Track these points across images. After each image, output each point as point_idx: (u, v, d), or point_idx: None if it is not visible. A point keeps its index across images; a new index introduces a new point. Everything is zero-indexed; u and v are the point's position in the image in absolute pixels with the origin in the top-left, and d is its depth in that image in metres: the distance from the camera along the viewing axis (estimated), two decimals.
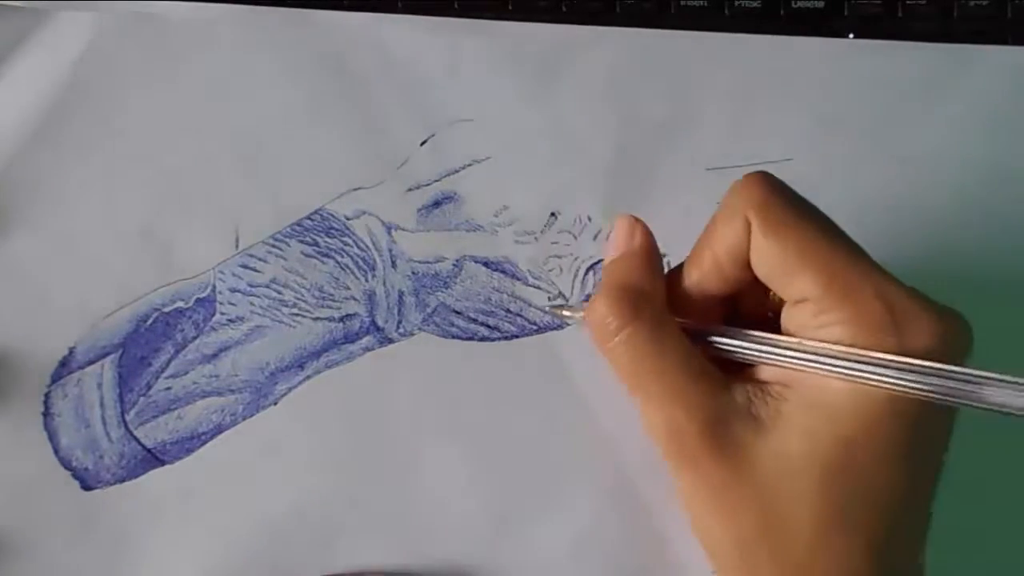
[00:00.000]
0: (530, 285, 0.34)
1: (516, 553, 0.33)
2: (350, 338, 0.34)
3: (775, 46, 0.36)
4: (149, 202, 0.35)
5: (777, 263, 0.25)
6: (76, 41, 0.36)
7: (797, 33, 0.36)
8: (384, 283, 0.35)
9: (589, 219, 0.35)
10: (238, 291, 0.34)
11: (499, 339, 0.34)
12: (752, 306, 0.28)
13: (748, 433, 0.25)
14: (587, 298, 0.34)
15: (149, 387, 0.34)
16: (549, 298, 0.34)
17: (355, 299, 0.34)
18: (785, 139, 0.35)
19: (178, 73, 0.36)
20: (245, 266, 0.35)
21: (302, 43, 0.36)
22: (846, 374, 0.24)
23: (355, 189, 0.35)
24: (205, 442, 0.33)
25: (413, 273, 0.35)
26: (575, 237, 0.35)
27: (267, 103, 0.35)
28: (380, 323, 0.34)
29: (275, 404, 0.34)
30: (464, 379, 0.34)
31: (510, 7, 0.36)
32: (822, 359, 0.25)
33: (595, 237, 0.35)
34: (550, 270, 0.34)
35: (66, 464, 0.33)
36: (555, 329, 0.34)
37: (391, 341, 0.34)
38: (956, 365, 0.24)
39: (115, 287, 0.34)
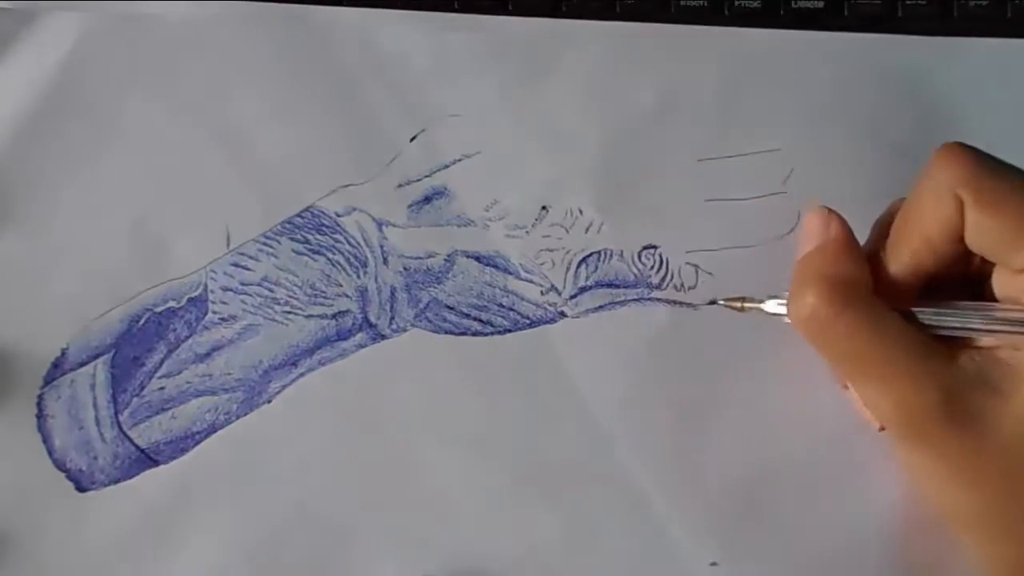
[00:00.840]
0: (522, 279, 0.34)
1: (511, 547, 0.32)
2: (343, 335, 0.34)
3: (764, 38, 0.35)
4: (140, 202, 0.34)
5: (998, 237, 0.25)
6: (64, 41, 0.35)
7: None
8: (376, 279, 0.34)
9: (580, 212, 0.34)
10: (230, 290, 0.34)
11: (492, 333, 0.34)
12: (951, 277, 0.28)
13: (986, 400, 0.25)
14: (579, 291, 0.34)
15: (142, 387, 0.33)
16: (542, 292, 0.34)
17: (347, 296, 0.34)
18: (776, 130, 0.35)
19: (166, 72, 0.35)
20: (237, 264, 0.34)
21: (289, 40, 0.35)
22: None
23: (345, 186, 0.34)
24: (199, 441, 0.33)
25: (405, 269, 0.34)
26: (567, 230, 0.34)
27: (255, 101, 0.35)
28: (373, 319, 0.34)
29: (269, 402, 0.33)
30: (457, 374, 0.33)
31: (510, 7, 0.36)
32: None
33: (586, 230, 0.34)
34: (542, 264, 0.34)
35: (60, 466, 0.33)
36: (548, 323, 0.34)
37: (384, 337, 0.34)
38: None
39: (107, 288, 0.34)
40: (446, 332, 0.34)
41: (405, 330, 0.34)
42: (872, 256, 0.28)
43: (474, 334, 0.34)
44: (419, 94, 0.35)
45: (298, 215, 0.34)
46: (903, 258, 0.27)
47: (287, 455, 0.33)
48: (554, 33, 0.35)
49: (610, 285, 0.34)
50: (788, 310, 0.28)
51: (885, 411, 0.27)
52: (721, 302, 0.32)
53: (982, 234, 0.26)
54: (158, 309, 0.34)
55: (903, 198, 0.28)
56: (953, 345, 0.27)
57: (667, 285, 0.34)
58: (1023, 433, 0.25)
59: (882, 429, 0.29)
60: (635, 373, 0.33)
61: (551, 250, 0.34)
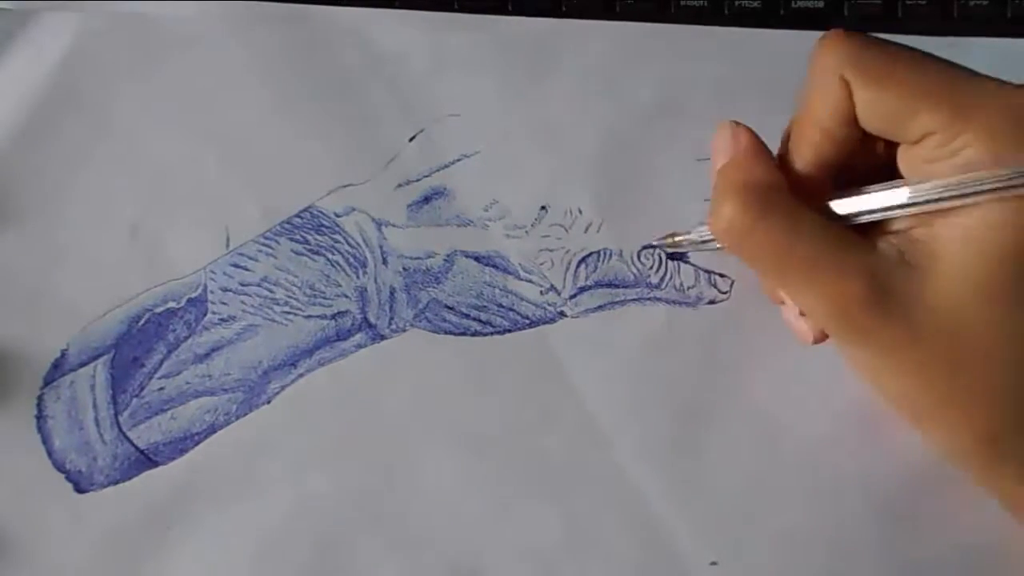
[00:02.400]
0: (522, 279, 0.34)
1: (510, 547, 0.32)
2: (342, 335, 0.33)
3: (764, 38, 0.35)
4: (139, 202, 0.34)
5: (888, 111, 0.25)
6: (62, 41, 0.35)
7: None
8: (375, 280, 0.34)
9: (580, 211, 0.34)
10: (229, 290, 0.34)
11: (491, 333, 0.33)
12: (862, 170, 0.27)
13: (909, 281, 0.25)
14: (578, 291, 0.33)
15: (142, 388, 0.33)
16: (541, 292, 0.33)
17: (346, 296, 0.34)
18: (775, 129, 0.34)
19: (165, 72, 0.35)
20: (236, 265, 0.34)
21: (289, 40, 0.35)
22: (990, 190, 0.23)
23: (344, 186, 0.34)
24: (199, 442, 0.33)
25: (404, 269, 0.34)
26: (566, 230, 0.34)
27: (254, 101, 0.35)
28: (372, 320, 0.33)
29: (268, 403, 0.33)
30: (457, 374, 0.33)
31: (509, 7, 0.35)
32: (961, 187, 0.24)
33: (586, 230, 0.34)
34: (541, 263, 0.34)
35: (59, 467, 0.32)
36: (547, 323, 0.33)
37: (383, 338, 0.33)
38: None
39: (107, 289, 0.33)
40: (445, 332, 0.33)
41: (404, 330, 0.33)
42: (781, 161, 0.28)
43: (473, 334, 0.33)
44: (418, 94, 0.35)
45: (297, 215, 0.34)
46: (806, 154, 0.27)
47: (286, 456, 0.32)
48: (554, 33, 0.35)
49: (609, 285, 0.33)
50: (709, 226, 0.27)
51: (817, 310, 0.26)
52: (655, 242, 0.33)
53: (873, 112, 0.25)
54: (158, 310, 0.33)
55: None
56: (871, 233, 0.26)
57: (666, 285, 0.33)
58: (949, 310, 0.24)
59: (817, 341, 0.29)
60: (634, 373, 0.33)
61: (550, 250, 0.34)
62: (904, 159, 0.26)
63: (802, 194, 0.26)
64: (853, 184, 0.27)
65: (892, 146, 0.27)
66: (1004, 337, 0.24)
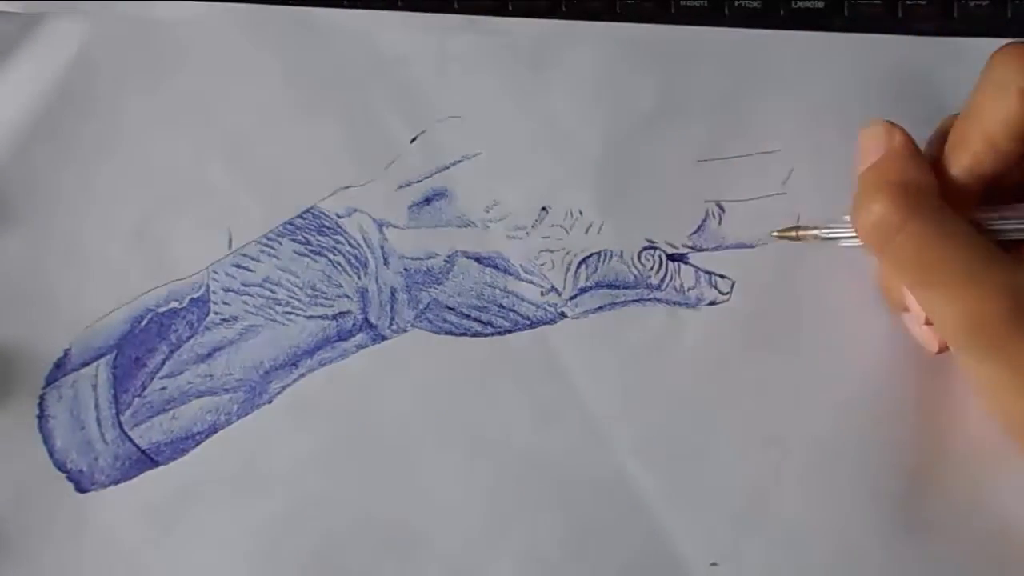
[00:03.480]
0: (522, 280, 0.33)
1: (510, 547, 0.31)
2: (343, 336, 0.33)
3: (764, 39, 0.35)
4: (142, 203, 0.34)
5: None
6: (69, 44, 0.34)
7: None
8: (376, 280, 0.33)
9: (580, 213, 0.33)
10: (231, 291, 0.33)
11: (492, 334, 0.33)
12: (1011, 184, 0.27)
13: None
14: (579, 292, 0.33)
15: (144, 388, 0.33)
16: (542, 293, 0.33)
17: (348, 297, 0.33)
18: (775, 130, 0.34)
19: (170, 73, 0.34)
20: (238, 265, 0.33)
21: (292, 41, 0.35)
22: None
23: (346, 187, 0.34)
24: (200, 442, 0.32)
25: (405, 270, 0.33)
26: (567, 231, 0.33)
27: (258, 102, 0.34)
28: (373, 320, 0.33)
29: (270, 403, 0.33)
30: (457, 375, 0.33)
31: (510, 7, 0.35)
32: None
33: (587, 231, 0.33)
34: (542, 264, 0.33)
35: (61, 466, 0.32)
36: (548, 323, 0.33)
37: (384, 338, 0.33)
38: None
39: (109, 289, 0.33)
40: (446, 333, 0.33)
41: (405, 331, 0.33)
42: (931, 164, 0.27)
43: (474, 335, 0.33)
44: (420, 95, 0.34)
45: (299, 216, 0.34)
46: (964, 161, 0.26)
47: (287, 455, 0.32)
48: (554, 34, 0.35)
49: (610, 286, 0.33)
50: (853, 221, 0.27)
51: (952, 321, 0.25)
52: (775, 234, 0.31)
53: None
54: (160, 310, 0.33)
55: (954, 115, 0.28)
56: (1018, 251, 0.26)
57: (667, 286, 0.33)
58: None
59: (940, 351, 0.28)
60: (635, 374, 0.32)
61: (551, 251, 0.33)
62: None
63: (950, 201, 0.26)
64: (998, 202, 0.26)
65: None
66: None
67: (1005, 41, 0.34)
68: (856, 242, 0.28)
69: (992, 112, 0.25)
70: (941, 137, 0.28)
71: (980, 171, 0.26)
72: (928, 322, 0.28)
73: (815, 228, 0.30)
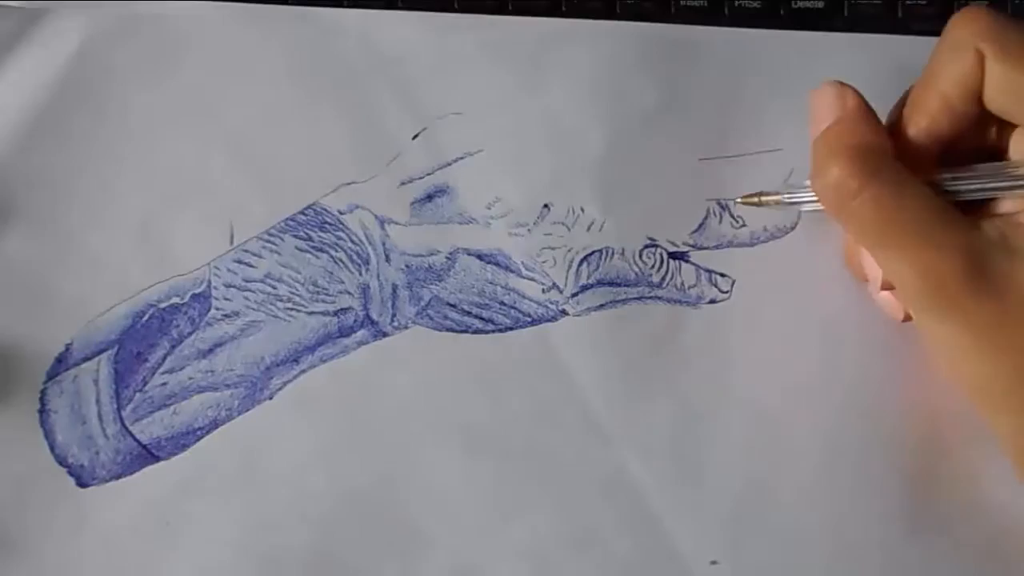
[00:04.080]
0: (524, 277, 0.33)
1: (510, 544, 0.31)
2: (344, 332, 0.33)
3: (765, 38, 0.35)
4: (144, 199, 0.34)
5: (1017, 89, 0.24)
6: (70, 40, 0.34)
7: None
8: (378, 277, 0.33)
9: (582, 210, 0.33)
10: (233, 286, 0.33)
11: (493, 331, 0.33)
12: (968, 150, 0.27)
13: (1009, 265, 0.24)
14: (580, 289, 0.33)
15: (145, 383, 0.33)
16: (543, 290, 0.33)
17: (349, 293, 0.33)
18: (777, 130, 0.34)
19: (171, 70, 0.34)
20: (240, 261, 0.33)
21: (294, 39, 0.35)
22: None
23: (348, 183, 0.34)
24: (201, 437, 0.32)
25: (407, 266, 0.33)
26: (568, 228, 0.33)
27: (259, 99, 0.34)
28: (374, 317, 0.33)
29: (270, 399, 0.32)
30: (458, 371, 0.32)
31: (510, 7, 0.35)
32: None
33: (588, 228, 0.33)
34: (543, 262, 0.33)
35: (62, 461, 0.32)
36: (549, 321, 0.33)
37: (385, 335, 0.33)
38: None
39: (111, 283, 0.33)
40: (447, 330, 0.33)
41: (406, 327, 0.33)
42: (890, 128, 0.27)
43: (475, 332, 0.33)
44: (421, 92, 0.34)
45: (301, 212, 0.33)
46: (921, 123, 0.26)
47: (288, 451, 0.32)
48: (557, 32, 0.34)
49: (611, 284, 0.33)
50: (812, 185, 0.27)
51: (910, 281, 0.25)
52: (738, 200, 0.32)
53: (1002, 89, 0.25)
54: (162, 305, 0.33)
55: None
56: (974, 212, 0.26)
57: (668, 284, 0.33)
58: None
59: (905, 319, 0.28)
60: (635, 371, 0.32)
61: (553, 248, 0.33)
62: (1018, 143, 0.26)
63: (908, 163, 0.26)
64: (956, 164, 0.26)
65: (1004, 131, 0.26)
66: None
67: None
68: (817, 206, 0.28)
69: (948, 74, 0.25)
70: (901, 103, 0.28)
71: (937, 133, 0.26)
72: (885, 287, 0.28)
73: (777, 194, 0.30)
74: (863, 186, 0.25)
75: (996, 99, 0.25)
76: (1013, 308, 0.24)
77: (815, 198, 0.28)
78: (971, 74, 0.25)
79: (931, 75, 0.26)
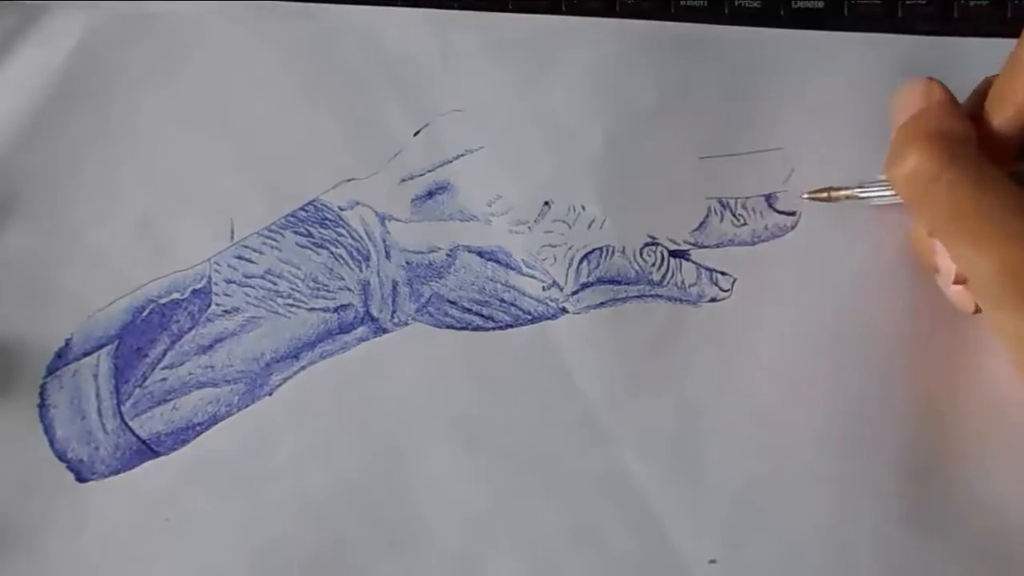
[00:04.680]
0: (524, 274, 0.33)
1: (510, 541, 0.31)
2: (345, 328, 0.33)
3: (767, 37, 0.34)
4: (145, 194, 0.33)
5: None
6: (70, 36, 0.34)
7: None
8: (378, 273, 0.33)
9: (583, 208, 0.33)
10: (233, 282, 0.33)
11: (493, 329, 0.33)
12: None
13: None
14: (580, 287, 0.33)
15: (145, 378, 0.32)
16: (544, 288, 0.33)
17: (349, 289, 0.33)
18: (778, 129, 0.34)
19: (172, 66, 0.34)
20: (240, 257, 0.33)
21: (294, 36, 0.34)
22: None
23: (348, 180, 0.33)
24: (200, 433, 0.32)
25: (407, 263, 0.33)
26: (569, 226, 0.33)
27: (260, 95, 0.34)
28: (375, 313, 0.33)
29: (270, 395, 0.32)
30: (458, 369, 0.32)
31: (510, 6, 0.35)
32: None
33: (589, 226, 0.33)
34: (544, 259, 0.33)
35: (61, 456, 0.32)
36: (549, 318, 0.33)
37: (385, 331, 0.33)
38: None
39: (111, 279, 0.33)
40: (447, 327, 0.33)
41: (407, 324, 0.33)
42: (973, 118, 0.27)
43: (475, 329, 0.33)
44: (423, 89, 0.34)
45: (301, 209, 0.33)
46: (1007, 113, 0.26)
47: (287, 447, 0.32)
48: (558, 29, 0.34)
49: (612, 282, 0.33)
50: (887, 172, 0.26)
51: (986, 274, 0.25)
52: (806, 196, 0.31)
53: None
54: (162, 300, 0.33)
55: (993, 75, 0.27)
56: None
57: (668, 282, 0.33)
58: None
59: (976, 312, 0.28)
60: (635, 369, 0.32)
61: (553, 246, 0.33)
62: None
63: (991, 153, 0.25)
64: None
65: None
66: None
67: (1006, 42, 0.34)
68: (889, 199, 0.28)
69: None
70: (979, 96, 0.28)
71: (1021, 123, 0.26)
72: (958, 281, 0.28)
73: (847, 188, 0.30)
74: (942, 172, 0.25)
75: None
76: None
77: (887, 192, 0.28)
78: None
79: (1018, 65, 0.26)
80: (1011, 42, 0.34)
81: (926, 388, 0.32)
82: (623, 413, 0.32)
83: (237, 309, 0.33)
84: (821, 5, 0.35)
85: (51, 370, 0.32)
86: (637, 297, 0.33)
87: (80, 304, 0.33)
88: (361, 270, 0.33)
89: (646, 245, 0.33)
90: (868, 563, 0.31)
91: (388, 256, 0.33)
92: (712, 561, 0.31)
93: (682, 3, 0.35)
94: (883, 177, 0.28)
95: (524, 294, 0.33)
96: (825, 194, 0.31)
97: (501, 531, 0.31)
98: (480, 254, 0.33)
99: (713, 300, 0.33)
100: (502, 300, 0.33)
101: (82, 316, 0.33)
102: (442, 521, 0.31)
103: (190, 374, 0.32)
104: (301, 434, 0.32)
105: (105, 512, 0.31)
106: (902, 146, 0.25)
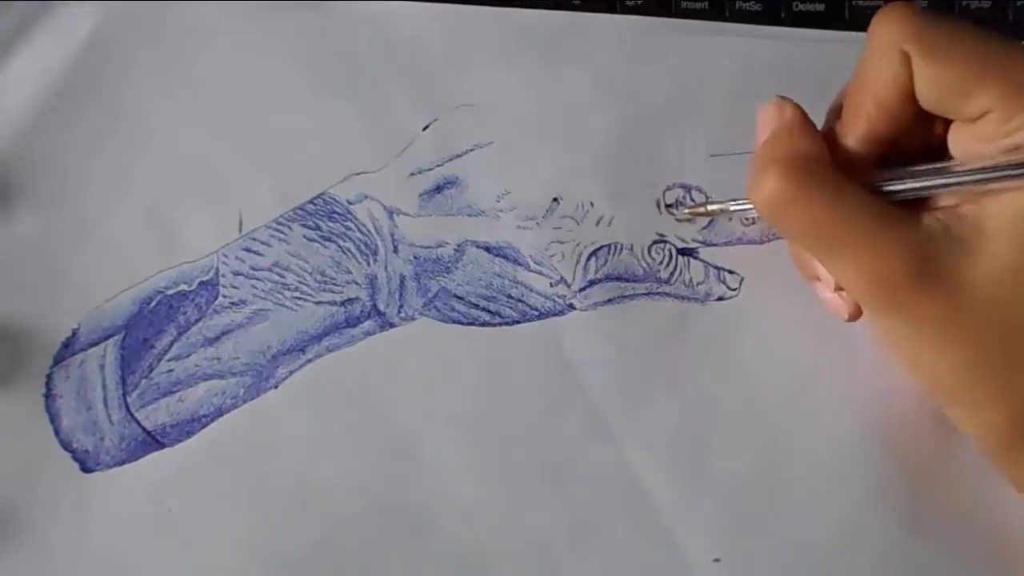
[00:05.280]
0: (532, 271, 0.33)
1: (514, 537, 0.31)
2: (351, 322, 0.32)
3: (777, 35, 0.34)
4: (154, 186, 0.33)
5: (949, 87, 0.24)
6: (83, 26, 0.34)
7: None
8: (386, 268, 0.33)
9: (591, 204, 0.33)
10: (241, 274, 0.33)
11: (500, 324, 0.32)
12: (912, 151, 0.27)
13: (955, 258, 0.24)
14: (588, 284, 0.32)
15: (151, 369, 0.32)
16: (551, 284, 0.33)
17: (357, 283, 0.33)
18: None
19: (183, 58, 0.34)
20: (248, 249, 0.33)
21: (306, 29, 0.34)
22: None
23: (357, 174, 0.33)
24: (205, 425, 0.32)
25: (415, 258, 0.33)
26: (577, 223, 0.33)
27: (270, 88, 0.34)
28: (381, 307, 0.32)
29: (276, 388, 0.32)
30: (465, 364, 0.32)
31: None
32: (1011, 169, 0.23)
33: (597, 223, 0.33)
34: (552, 255, 0.33)
35: (66, 446, 0.31)
36: (557, 315, 0.32)
37: (392, 326, 0.32)
38: None
39: (119, 269, 0.33)
40: (454, 322, 0.32)
41: (414, 319, 0.32)
42: (828, 134, 0.27)
43: (482, 324, 0.32)
44: (433, 83, 0.34)
45: (310, 202, 0.33)
46: (859, 127, 0.26)
47: (293, 440, 0.32)
48: (569, 26, 0.34)
49: (619, 279, 0.32)
50: (749, 197, 0.26)
51: (857, 284, 0.25)
52: (686, 211, 0.32)
53: (933, 88, 0.24)
54: (169, 292, 0.33)
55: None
56: (916, 209, 0.25)
57: (676, 280, 0.32)
58: (995, 287, 0.24)
59: (851, 319, 0.28)
60: (642, 367, 0.32)
61: (561, 242, 0.33)
62: (956, 138, 0.25)
63: (848, 169, 0.25)
64: (899, 164, 0.26)
65: (946, 126, 0.26)
66: None
67: None
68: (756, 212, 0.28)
69: (878, 76, 0.25)
70: (839, 105, 0.28)
71: (877, 136, 0.26)
72: (838, 288, 0.28)
73: (721, 202, 0.30)
74: (797, 194, 0.25)
75: (927, 96, 0.24)
76: (962, 301, 0.24)
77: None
78: (901, 75, 0.24)
79: (863, 78, 0.26)
80: None
81: None
82: (629, 410, 0.32)
83: (244, 301, 0.33)
84: (822, 8, 0.35)
85: (58, 360, 0.32)
86: (645, 295, 0.32)
87: (88, 294, 0.32)
88: (369, 264, 0.33)
89: (654, 243, 0.33)
90: (871, 562, 0.30)
91: (396, 250, 0.33)
92: (716, 559, 0.31)
93: (683, 5, 0.34)
94: None
95: (532, 290, 0.33)
96: (703, 209, 0.31)
97: (505, 526, 0.31)
98: (488, 249, 0.33)
99: (721, 299, 0.32)
100: (509, 296, 0.33)
101: (89, 306, 0.32)
102: (446, 515, 0.31)
103: (196, 366, 0.32)
104: (306, 427, 0.32)
105: (109, 503, 0.31)
106: (759, 171, 0.26)
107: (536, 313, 0.32)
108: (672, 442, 0.31)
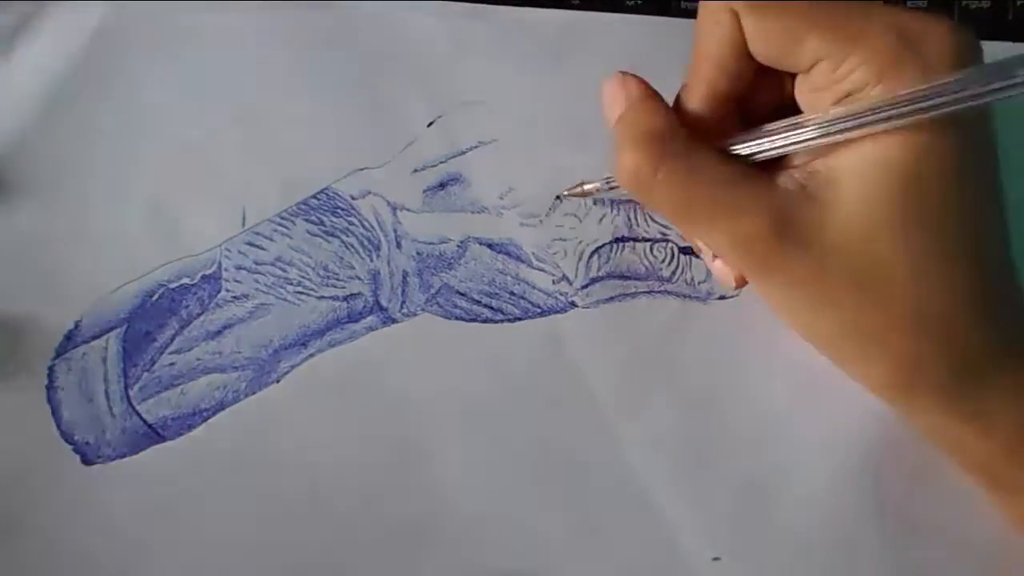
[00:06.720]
0: (534, 268, 0.32)
1: (513, 534, 0.31)
2: (353, 317, 0.32)
3: None
4: (157, 179, 0.33)
5: (777, 39, 0.24)
6: (87, 22, 0.34)
7: None
8: (388, 263, 0.32)
9: (594, 202, 0.32)
10: (243, 268, 0.32)
11: (502, 321, 0.32)
12: (764, 104, 0.27)
13: (811, 213, 0.24)
14: (590, 282, 0.32)
15: (153, 362, 0.32)
16: (554, 281, 0.32)
17: (359, 279, 0.32)
18: None
19: (187, 53, 0.34)
20: (251, 244, 0.33)
21: (311, 24, 0.34)
22: (882, 120, 0.23)
23: (361, 169, 0.33)
24: (207, 418, 0.31)
25: (417, 254, 0.32)
26: (580, 220, 0.32)
27: (275, 82, 0.33)
28: (384, 303, 0.32)
29: (277, 382, 0.32)
30: (466, 360, 0.32)
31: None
32: (852, 119, 0.23)
33: (600, 220, 0.32)
34: (554, 253, 0.32)
35: (67, 438, 0.31)
36: (559, 312, 0.32)
37: (394, 321, 0.32)
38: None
39: (122, 263, 0.32)
40: (456, 318, 0.32)
41: (416, 315, 0.32)
42: (677, 104, 0.27)
43: (484, 321, 0.32)
44: (438, 80, 0.33)
45: (313, 197, 0.33)
46: (701, 90, 0.26)
47: (294, 435, 0.31)
48: (573, 23, 0.34)
49: (621, 277, 0.32)
50: (616, 179, 0.26)
51: (724, 250, 0.25)
52: (565, 193, 0.31)
53: (762, 41, 0.24)
54: (172, 285, 0.32)
55: None
56: (772, 169, 0.25)
57: (677, 279, 0.32)
58: (851, 236, 0.24)
59: (738, 286, 0.28)
60: (643, 365, 0.32)
61: (564, 240, 0.32)
62: (800, 91, 0.25)
63: (704, 135, 0.26)
64: (761, 122, 0.26)
65: (790, 81, 0.26)
66: (908, 261, 0.24)
67: (1007, 45, 0.34)
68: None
69: (713, 36, 0.25)
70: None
71: (719, 96, 0.26)
72: (717, 257, 0.28)
73: (596, 182, 0.30)
74: (657, 169, 0.25)
75: (760, 50, 0.25)
76: (826, 254, 0.24)
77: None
78: (732, 32, 0.25)
79: (698, 42, 0.26)
80: (1013, 46, 0.34)
81: None
82: (629, 408, 0.31)
83: (247, 295, 0.32)
84: None
85: (60, 352, 0.32)
86: (646, 293, 0.32)
87: (90, 287, 0.32)
88: (371, 259, 0.32)
89: (657, 241, 0.32)
90: (870, 563, 0.30)
91: (399, 246, 0.33)
92: (715, 559, 0.30)
93: (683, 5, 0.34)
94: None
95: (534, 287, 0.32)
96: (579, 189, 0.31)
97: (503, 522, 0.31)
98: (491, 246, 0.32)
99: (722, 297, 0.32)
100: (512, 293, 0.32)
101: (92, 299, 0.32)
102: (447, 510, 0.31)
103: (198, 359, 0.32)
104: (307, 422, 0.31)
105: (110, 495, 0.31)
106: (618, 152, 0.26)
107: (538, 310, 0.32)
108: (673, 440, 0.31)
